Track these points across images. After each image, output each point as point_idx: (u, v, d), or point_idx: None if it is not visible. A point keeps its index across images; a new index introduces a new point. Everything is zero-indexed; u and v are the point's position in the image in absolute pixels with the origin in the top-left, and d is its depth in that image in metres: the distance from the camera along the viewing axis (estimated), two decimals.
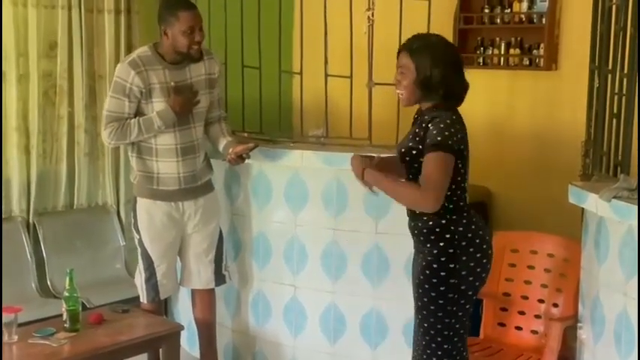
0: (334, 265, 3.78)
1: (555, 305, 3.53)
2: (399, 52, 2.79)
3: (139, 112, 3.50)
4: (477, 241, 2.78)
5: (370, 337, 3.75)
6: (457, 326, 2.82)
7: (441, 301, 2.77)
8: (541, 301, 3.58)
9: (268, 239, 3.94)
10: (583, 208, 3.21)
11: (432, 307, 2.79)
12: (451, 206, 2.75)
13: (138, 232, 3.65)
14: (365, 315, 3.75)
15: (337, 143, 3.85)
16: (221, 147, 3.66)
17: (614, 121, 3.22)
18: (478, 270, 2.79)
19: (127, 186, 4.53)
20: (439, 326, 2.79)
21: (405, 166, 2.81)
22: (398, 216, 3.56)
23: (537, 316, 3.58)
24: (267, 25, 4.09)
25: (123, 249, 4.55)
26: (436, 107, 2.74)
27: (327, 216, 3.75)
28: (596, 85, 3.38)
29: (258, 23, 4.05)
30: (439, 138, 2.64)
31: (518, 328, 3.62)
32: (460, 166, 2.73)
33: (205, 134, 3.70)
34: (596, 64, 3.37)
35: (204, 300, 3.83)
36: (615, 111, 3.22)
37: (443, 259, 2.75)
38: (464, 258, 2.75)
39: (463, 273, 2.75)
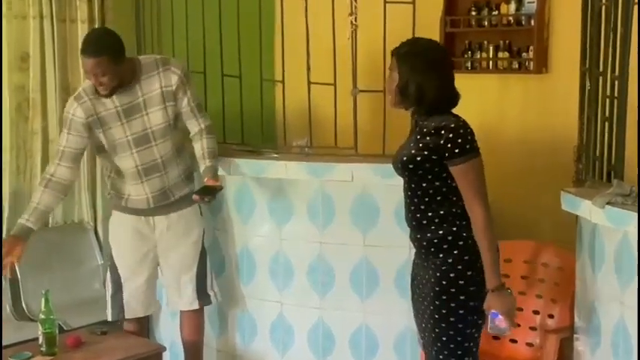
0: (321, 280, 3.77)
1: (551, 316, 3.54)
2: (392, 56, 2.86)
3: (96, 144, 3.55)
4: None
5: (360, 353, 3.75)
6: (476, 335, 2.83)
7: (461, 312, 2.76)
8: (536, 312, 3.59)
9: (252, 254, 3.94)
10: (577, 216, 3.22)
11: (451, 319, 2.78)
12: (459, 211, 2.77)
13: (110, 245, 3.71)
14: (354, 331, 3.75)
15: (322, 153, 3.86)
16: (201, 172, 3.63)
17: (607, 124, 3.24)
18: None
19: (104, 202, 4.51)
20: (459, 338, 2.78)
21: (408, 174, 2.82)
22: (386, 228, 3.58)
23: (532, 328, 3.59)
24: (247, 32, 4.10)
25: (101, 268, 4.52)
26: (429, 114, 2.78)
27: (313, 229, 3.75)
28: (587, 87, 3.39)
29: (237, 30, 4.06)
30: (467, 146, 2.71)
31: (513, 341, 3.62)
32: None
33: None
34: (587, 67, 3.39)
35: (190, 321, 3.82)
36: (607, 114, 3.24)
37: (459, 267, 2.76)
38: (479, 264, 2.76)
39: (479, 279, 2.76)
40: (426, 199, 2.80)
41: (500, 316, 2.72)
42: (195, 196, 3.48)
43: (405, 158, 2.80)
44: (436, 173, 2.76)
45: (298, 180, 3.75)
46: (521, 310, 3.61)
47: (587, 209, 3.01)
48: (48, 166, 3.61)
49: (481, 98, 4.65)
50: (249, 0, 4.03)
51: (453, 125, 2.72)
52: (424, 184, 2.79)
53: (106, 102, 3.48)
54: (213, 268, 3.94)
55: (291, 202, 3.80)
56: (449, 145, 2.70)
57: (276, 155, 3.89)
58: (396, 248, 3.53)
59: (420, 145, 2.76)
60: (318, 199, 3.73)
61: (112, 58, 3.36)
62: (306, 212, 3.77)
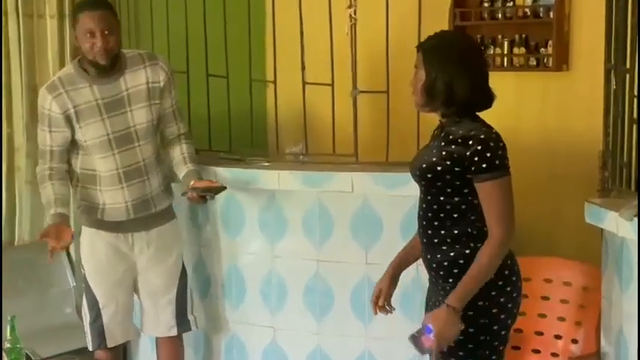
0: (319, 302, 3.78)
1: (574, 341, 3.54)
2: (417, 51, 2.82)
3: (77, 137, 3.53)
4: (506, 272, 2.75)
5: None
6: None
7: (470, 346, 2.73)
8: (558, 337, 3.59)
9: (242, 274, 3.94)
10: (602, 229, 3.22)
11: (460, 354, 2.74)
12: (475, 232, 2.72)
13: (83, 267, 3.68)
14: (356, 359, 3.75)
15: (319, 161, 3.86)
16: (181, 176, 3.65)
17: (635, 127, 3.25)
18: (509, 306, 2.76)
19: (76, 217, 4.50)
20: None
21: (425, 184, 2.78)
22: (391, 243, 3.57)
23: (554, 355, 3.59)
24: (234, 27, 4.10)
25: (73, 291, 4.52)
26: (460, 117, 2.72)
27: (309, 245, 3.76)
28: (613, 86, 3.40)
29: (224, 25, 4.06)
30: (497, 161, 2.65)
31: None
32: None
33: (166, 156, 3.71)
34: (612, 63, 3.40)
35: (168, 349, 3.81)
36: (635, 116, 3.25)
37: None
38: (493, 293, 2.72)
39: (494, 311, 2.72)
40: (441, 215, 2.75)
41: (432, 336, 2.64)
42: (192, 194, 3.50)
43: (424, 165, 2.75)
44: (457, 187, 2.70)
45: (292, 191, 3.76)
46: (541, 334, 3.62)
47: (613, 221, 3.01)
48: (38, 166, 3.62)
49: (495, 99, 4.67)
50: None
51: (483, 136, 2.65)
52: (441, 198, 2.74)
53: (86, 93, 3.48)
54: (197, 290, 3.95)
55: (284, 215, 3.80)
56: (475, 159, 2.63)
57: (267, 164, 3.91)
58: None
59: (444, 153, 2.70)
60: (315, 212, 3.73)
61: (115, 17, 3.50)
62: (301, 227, 3.77)
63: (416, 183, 2.84)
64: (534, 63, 4.60)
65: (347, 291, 3.72)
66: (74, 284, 4.52)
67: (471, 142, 2.65)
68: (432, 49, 2.75)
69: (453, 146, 2.68)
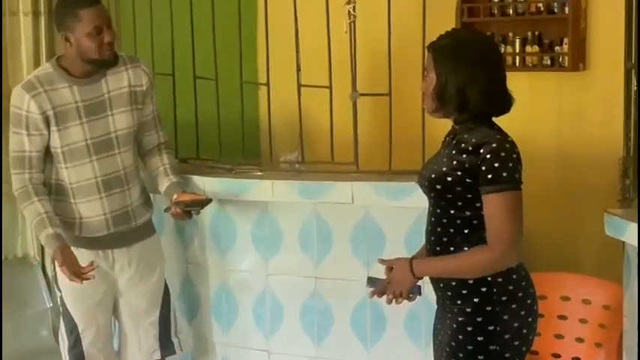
0: (317, 324, 3.77)
1: None
2: (427, 51, 2.79)
3: (50, 143, 3.48)
4: (520, 294, 2.71)
5: None
6: None
7: None
8: (576, 359, 3.58)
9: (233, 293, 3.93)
10: (624, 242, 3.22)
11: None
12: None
13: (59, 288, 3.64)
14: None
15: (316, 170, 3.86)
16: (163, 189, 3.65)
17: None
18: (524, 332, 2.72)
19: None
20: None
21: (434, 196, 2.75)
22: None
23: None
24: (224, 25, 4.11)
25: (50, 312, 4.52)
26: (475, 123, 2.69)
27: (306, 261, 3.75)
28: (634, 87, 3.42)
29: (212, 23, 4.06)
30: (504, 173, 2.60)
31: None
32: None
33: (145, 166, 3.71)
34: (633, 62, 3.41)
35: None
36: None
37: (479, 319, 2.68)
38: (505, 317, 2.68)
39: (506, 337, 2.68)
40: (451, 230, 2.72)
41: (379, 280, 2.80)
42: (175, 209, 3.49)
43: (433, 175, 2.72)
44: (468, 200, 2.67)
45: (288, 203, 3.75)
46: (558, 356, 3.62)
47: (635, 234, 3.00)
48: (14, 178, 3.51)
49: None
50: None
51: (494, 144, 2.61)
52: (452, 212, 2.71)
53: (65, 94, 3.46)
54: (184, 311, 3.94)
55: (279, 229, 3.80)
56: (483, 168, 2.60)
57: (260, 173, 3.90)
58: None
59: (455, 162, 2.66)
60: (312, 225, 3.73)
61: None
62: (297, 241, 3.76)
63: (424, 194, 2.82)
64: (548, 62, 4.62)
65: (347, 311, 3.71)
66: (51, 305, 4.52)
67: (482, 151, 2.62)
68: (444, 50, 2.71)
69: (465, 155, 2.65)
